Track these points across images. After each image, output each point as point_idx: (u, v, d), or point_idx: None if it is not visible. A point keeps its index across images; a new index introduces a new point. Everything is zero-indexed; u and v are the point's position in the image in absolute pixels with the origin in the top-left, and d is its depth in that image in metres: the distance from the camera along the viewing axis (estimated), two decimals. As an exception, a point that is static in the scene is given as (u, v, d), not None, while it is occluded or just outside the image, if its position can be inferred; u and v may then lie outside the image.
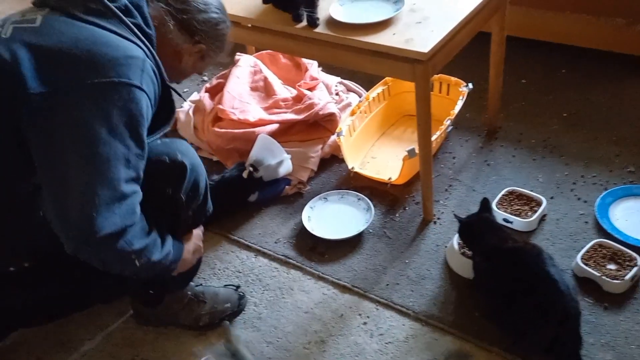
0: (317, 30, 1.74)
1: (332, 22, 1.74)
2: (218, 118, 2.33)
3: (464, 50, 1.81)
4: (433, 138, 2.01)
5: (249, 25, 1.91)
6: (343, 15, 1.75)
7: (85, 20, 1.27)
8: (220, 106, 2.31)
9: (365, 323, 1.67)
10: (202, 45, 1.48)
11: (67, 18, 1.26)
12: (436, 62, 1.64)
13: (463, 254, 1.74)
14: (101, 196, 1.19)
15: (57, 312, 1.63)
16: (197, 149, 2.38)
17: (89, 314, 1.75)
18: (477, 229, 1.63)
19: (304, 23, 1.77)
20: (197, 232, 1.60)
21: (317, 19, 1.75)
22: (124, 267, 1.31)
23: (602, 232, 1.82)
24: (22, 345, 1.71)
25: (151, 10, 1.41)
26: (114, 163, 1.21)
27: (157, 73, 1.34)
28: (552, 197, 1.97)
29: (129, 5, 1.35)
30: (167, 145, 1.41)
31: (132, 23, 1.32)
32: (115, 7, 1.31)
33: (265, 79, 2.46)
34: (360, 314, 1.70)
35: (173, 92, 1.43)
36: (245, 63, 2.50)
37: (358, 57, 1.71)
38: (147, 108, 1.26)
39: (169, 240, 1.42)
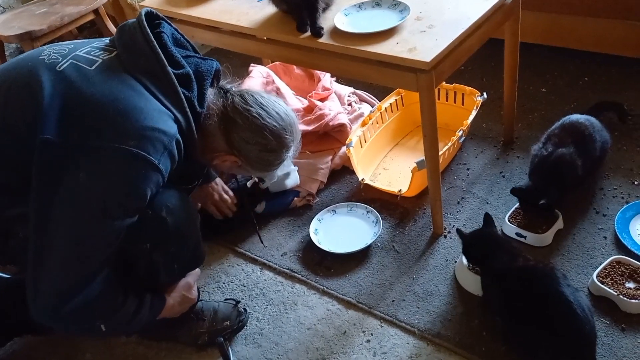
0: (321, 40, 1.70)
1: (336, 32, 1.70)
2: (229, 129, 2.32)
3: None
4: (444, 149, 1.96)
5: (257, 36, 1.89)
6: (347, 24, 1.71)
7: (136, 78, 1.22)
8: (231, 117, 2.29)
9: (368, 341, 1.62)
10: (237, 158, 1.40)
11: (122, 72, 1.23)
12: (441, 71, 1.59)
13: (472, 269, 1.67)
14: (74, 273, 1.18)
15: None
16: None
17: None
18: (485, 246, 1.56)
19: (308, 33, 1.74)
20: (187, 280, 1.55)
21: (321, 28, 1.72)
22: (90, 334, 1.32)
23: (622, 248, 1.72)
24: (25, 357, 1.71)
25: (212, 95, 1.34)
26: (97, 244, 1.18)
27: (184, 150, 1.27)
28: (568, 210, 1.88)
29: (192, 76, 1.28)
30: (159, 195, 1.29)
31: (184, 95, 1.25)
32: (176, 73, 1.25)
33: (278, 90, 2.43)
34: (364, 331, 1.65)
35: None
36: (258, 74, 2.48)
37: (362, 67, 1.67)
38: (155, 184, 1.21)
39: (146, 300, 1.37)
